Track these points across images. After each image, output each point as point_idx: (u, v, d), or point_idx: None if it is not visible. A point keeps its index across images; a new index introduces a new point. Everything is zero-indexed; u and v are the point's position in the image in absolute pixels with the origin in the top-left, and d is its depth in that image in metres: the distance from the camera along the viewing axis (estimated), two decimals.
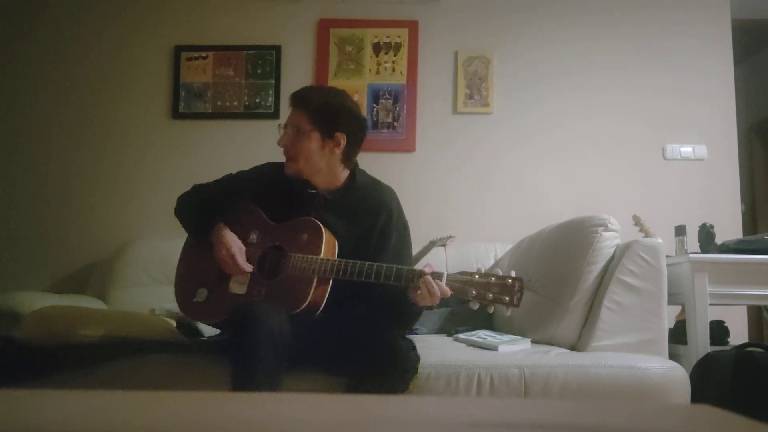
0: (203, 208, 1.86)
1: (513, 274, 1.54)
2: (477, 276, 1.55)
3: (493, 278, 1.53)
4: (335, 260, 1.68)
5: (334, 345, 1.65)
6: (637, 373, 1.67)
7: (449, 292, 1.55)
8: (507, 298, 1.51)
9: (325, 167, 1.82)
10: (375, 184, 1.91)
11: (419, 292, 1.56)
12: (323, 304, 1.70)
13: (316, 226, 1.74)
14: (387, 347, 1.56)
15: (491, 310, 1.54)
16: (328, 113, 1.79)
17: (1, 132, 3.32)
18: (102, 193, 3.25)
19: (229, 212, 1.85)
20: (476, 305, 1.54)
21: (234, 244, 1.76)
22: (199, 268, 1.85)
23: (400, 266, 1.61)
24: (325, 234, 1.73)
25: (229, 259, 1.74)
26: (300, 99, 1.81)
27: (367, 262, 1.63)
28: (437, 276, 1.56)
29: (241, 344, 1.51)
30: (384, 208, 1.82)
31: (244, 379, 1.48)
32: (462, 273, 1.57)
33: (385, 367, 1.54)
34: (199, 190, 1.93)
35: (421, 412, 0.53)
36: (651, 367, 1.68)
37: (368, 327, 1.64)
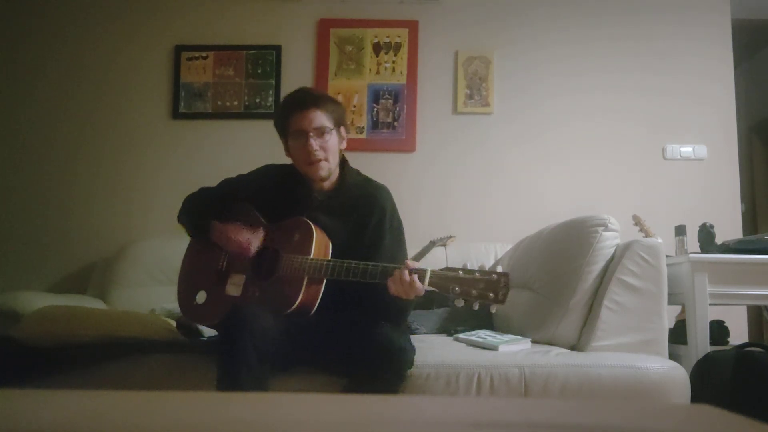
0: (203, 213, 1.86)
1: (499, 269, 1.49)
2: (461, 272, 1.50)
3: (478, 274, 1.48)
4: (324, 260, 1.68)
5: (329, 344, 1.66)
6: (637, 373, 1.67)
7: (422, 289, 1.53)
8: (492, 295, 1.46)
9: (336, 165, 1.84)
10: (368, 183, 1.91)
11: (391, 285, 1.55)
12: (317, 303, 1.70)
13: (307, 226, 1.74)
14: (383, 346, 1.56)
15: (476, 307, 1.49)
16: (338, 109, 1.84)
17: (1, 132, 3.32)
18: (102, 193, 3.25)
19: (226, 214, 1.85)
20: (461, 302, 1.49)
21: (236, 230, 1.77)
22: (199, 272, 1.86)
23: (386, 264, 1.60)
24: (316, 233, 1.73)
25: (237, 245, 1.75)
26: (315, 99, 1.80)
27: (354, 261, 1.62)
28: (419, 273, 1.53)
29: (224, 348, 1.52)
30: (377, 208, 1.82)
31: (226, 382, 1.48)
32: (446, 269, 1.54)
33: (379, 365, 1.54)
34: (202, 193, 1.94)
35: (421, 412, 0.53)
36: (651, 367, 1.68)
37: (363, 326, 1.64)
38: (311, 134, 1.75)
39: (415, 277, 1.52)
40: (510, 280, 1.48)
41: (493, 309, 1.48)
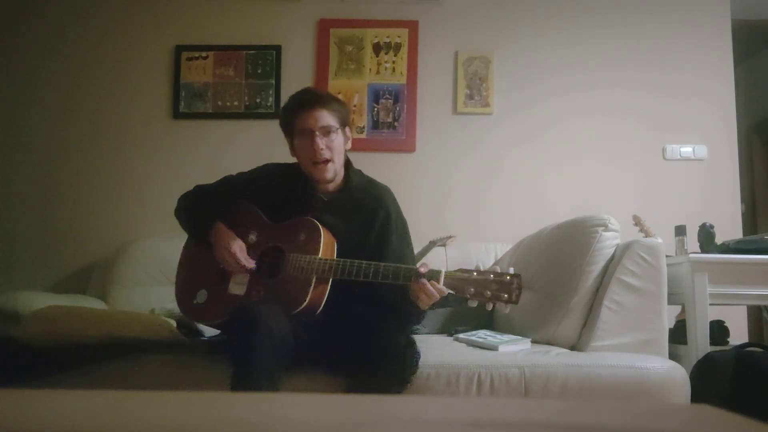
0: (202, 210, 1.86)
1: (511, 270, 1.52)
2: (475, 273, 1.53)
3: (492, 275, 1.52)
4: (333, 260, 1.68)
5: (335, 345, 1.65)
6: (637, 373, 1.67)
7: (446, 292, 1.54)
8: (505, 296, 1.49)
9: (341, 166, 1.83)
10: (371, 183, 1.91)
11: (415, 293, 1.56)
12: (323, 303, 1.69)
13: (314, 225, 1.74)
14: (386, 346, 1.56)
15: (490, 307, 1.51)
16: (343, 109, 1.84)
17: (1, 132, 3.32)
18: (102, 193, 3.25)
19: (229, 213, 1.85)
20: (475, 303, 1.52)
21: (234, 242, 1.75)
22: (198, 270, 1.85)
23: (397, 265, 1.61)
24: (324, 233, 1.73)
25: (230, 257, 1.73)
26: (321, 99, 1.80)
27: (364, 262, 1.63)
28: (434, 275, 1.55)
29: (241, 345, 1.51)
30: (382, 208, 1.83)
31: (244, 381, 1.48)
32: (460, 270, 1.56)
33: (384, 366, 1.54)
34: (199, 191, 1.93)
35: (421, 412, 0.53)
36: (651, 367, 1.68)
37: (368, 327, 1.64)
38: (317, 133, 1.75)
39: (434, 283, 1.54)
40: (522, 281, 1.51)
41: (506, 310, 1.51)
